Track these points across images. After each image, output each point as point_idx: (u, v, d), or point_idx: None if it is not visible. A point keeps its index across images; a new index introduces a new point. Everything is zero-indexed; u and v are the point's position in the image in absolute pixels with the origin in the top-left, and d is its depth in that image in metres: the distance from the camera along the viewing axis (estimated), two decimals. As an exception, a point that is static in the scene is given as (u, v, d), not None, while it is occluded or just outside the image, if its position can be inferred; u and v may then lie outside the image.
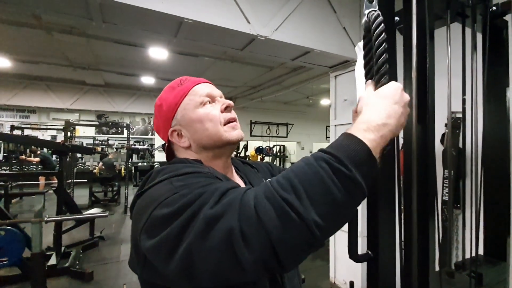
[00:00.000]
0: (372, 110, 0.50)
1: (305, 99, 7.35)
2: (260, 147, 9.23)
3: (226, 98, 0.74)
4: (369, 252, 0.77)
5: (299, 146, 10.00)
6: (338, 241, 3.00)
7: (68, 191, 5.16)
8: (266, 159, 9.26)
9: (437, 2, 0.89)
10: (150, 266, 0.53)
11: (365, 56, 0.60)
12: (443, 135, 1.98)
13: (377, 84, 0.54)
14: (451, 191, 1.80)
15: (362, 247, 0.63)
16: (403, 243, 0.82)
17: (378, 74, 0.53)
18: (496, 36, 1.02)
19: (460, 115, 1.20)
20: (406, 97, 0.53)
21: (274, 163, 8.71)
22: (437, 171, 1.21)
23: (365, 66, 0.61)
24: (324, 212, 0.41)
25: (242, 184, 0.73)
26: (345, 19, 2.43)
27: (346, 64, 2.77)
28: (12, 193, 5.10)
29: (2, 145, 9.08)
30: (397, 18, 0.92)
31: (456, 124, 1.86)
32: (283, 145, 10.54)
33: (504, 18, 1.08)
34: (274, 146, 9.63)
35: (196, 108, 0.67)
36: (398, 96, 0.51)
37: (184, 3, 1.78)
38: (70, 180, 5.70)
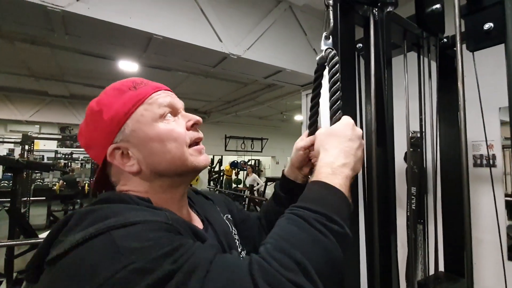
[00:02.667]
0: (331, 152, 0.51)
1: (279, 115, 7.49)
2: (235, 161, 9.17)
3: (200, 112, 0.67)
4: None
5: (274, 160, 10.08)
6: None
7: (24, 210, 4.72)
8: (241, 173, 9.20)
9: (394, 33, 0.95)
10: None
11: (314, 89, 0.64)
12: (406, 153, 2.10)
13: (331, 119, 0.56)
14: (415, 207, 1.88)
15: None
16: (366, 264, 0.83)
17: (332, 110, 0.56)
18: (447, 65, 1.11)
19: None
20: (358, 131, 0.55)
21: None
22: (403, 188, 1.27)
23: (312, 100, 0.66)
24: (329, 279, 0.39)
25: (199, 223, 0.60)
26: (314, 41, 2.54)
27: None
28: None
29: None
30: (360, 45, 0.97)
31: (417, 142, 1.98)
32: (258, 160, 10.56)
33: (454, 48, 1.19)
34: (249, 160, 9.61)
35: (154, 122, 0.51)
36: (350, 132, 0.53)
37: (154, 18, 1.75)
38: (26, 198, 5.23)
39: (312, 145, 0.65)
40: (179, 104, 0.58)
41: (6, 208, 3.20)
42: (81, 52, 3.48)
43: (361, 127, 0.88)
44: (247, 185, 7.83)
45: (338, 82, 0.57)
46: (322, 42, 0.62)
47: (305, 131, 0.71)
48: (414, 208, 1.98)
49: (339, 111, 0.56)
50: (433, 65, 1.15)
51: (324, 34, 0.64)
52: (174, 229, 0.42)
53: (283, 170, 0.76)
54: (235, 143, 8.42)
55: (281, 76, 2.67)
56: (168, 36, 1.79)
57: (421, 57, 1.13)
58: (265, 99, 5.32)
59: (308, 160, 0.69)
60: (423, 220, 1.99)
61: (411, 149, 1.34)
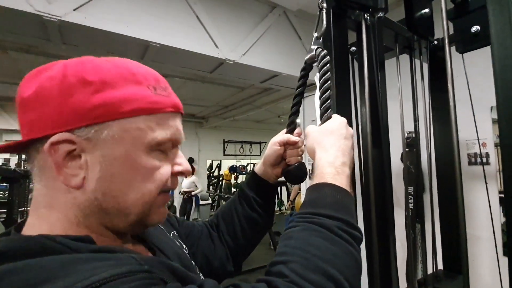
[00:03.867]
0: (330, 151, 0.49)
1: (276, 118, 7.51)
2: (234, 165, 9.16)
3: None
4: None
5: (272, 164, 10.07)
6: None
7: (20, 220, 4.66)
8: (240, 177, 9.19)
9: (386, 36, 0.98)
10: None
11: (297, 88, 0.65)
12: (402, 153, 2.13)
13: (322, 117, 0.56)
14: (413, 206, 1.90)
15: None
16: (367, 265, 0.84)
17: (322, 108, 0.56)
18: (439, 66, 1.14)
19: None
20: (351, 130, 0.55)
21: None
22: (401, 188, 1.28)
23: (294, 98, 0.68)
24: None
25: (144, 251, 0.47)
26: (309, 45, 2.57)
27: (312, 87, 2.89)
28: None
29: None
30: (354, 48, 1.00)
31: (413, 142, 2.01)
32: (257, 163, 10.56)
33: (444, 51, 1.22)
34: (248, 164, 9.61)
35: (147, 147, 0.38)
36: (345, 130, 0.52)
37: (151, 27, 1.77)
38: (23, 209, 5.18)
39: (288, 143, 0.64)
40: (181, 139, 0.44)
41: (2, 220, 3.17)
42: (77, 60, 3.49)
43: (357, 129, 0.89)
44: (181, 191, 5.80)
45: (329, 81, 0.57)
46: (313, 42, 0.63)
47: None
48: (412, 207, 2.00)
49: (330, 110, 0.56)
50: (425, 66, 1.18)
51: (316, 34, 0.65)
52: (157, 278, 0.30)
53: (253, 168, 0.71)
54: (234, 148, 8.43)
55: (277, 80, 2.69)
56: (165, 43, 1.82)
57: (413, 59, 1.16)
58: (262, 103, 5.35)
59: (281, 159, 0.66)
60: (421, 219, 2.01)
61: (407, 149, 1.37)
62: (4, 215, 3.16)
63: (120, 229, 0.40)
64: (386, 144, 0.88)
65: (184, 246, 0.59)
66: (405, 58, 1.14)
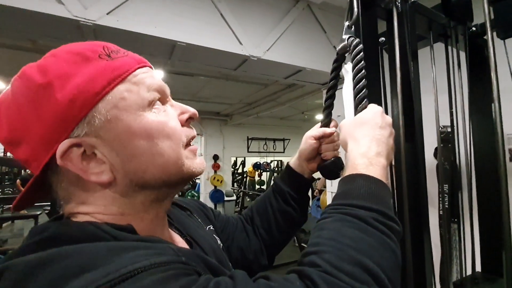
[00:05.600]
0: (362, 142, 0.47)
1: (300, 114, 7.42)
2: (258, 162, 9.20)
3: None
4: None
5: (296, 161, 9.98)
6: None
7: (62, 212, 5.05)
8: (264, 174, 9.21)
9: (419, 24, 0.92)
10: None
11: (330, 80, 0.63)
12: (436, 149, 2.01)
13: (357, 108, 0.55)
14: (448, 205, 1.79)
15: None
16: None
17: (357, 99, 0.54)
18: (478, 54, 1.06)
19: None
20: (388, 118, 0.51)
21: (272, 178, 8.66)
22: (433, 186, 1.21)
23: (327, 91, 0.65)
24: (397, 284, 0.33)
25: (181, 243, 0.48)
26: (334, 38, 2.50)
27: (341, 81, 2.82)
28: (3, 216, 4.98)
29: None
30: (382, 39, 0.96)
31: (448, 137, 1.89)
32: (281, 160, 10.52)
33: (484, 37, 1.13)
34: (271, 161, 9.61)
35: (141, 110, 0.37)
36: (380, 119, 0.49)
37: (177, 26, 1.83)
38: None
39: (324, 137, 0.63)
40: (167, 89, 0.43)
41: (47, 211, 3.44)
42: (109, 62, 3.67)
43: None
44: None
45: (363, 70, 0.54)
46: (344, 31, 0.61)
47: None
48: (447, 206, 1.89)
49: (365, 100, 0.53)
50: (462, 55, 1.10)
51: (347, 23, 0.63)
52: (192, 270, 0.30)
53: (287, 162, 0.71)
54: (258, 145, 8.45)
55: (302, 75, 2.65)
56: (190, 42, 1.86)
57: (449, 47, 1.09)
58: (286, 99, 5.31)
59: (316, 154, 0.65)
60: (458, 219, 1.89)
61: (441, 145, 1.29)
62: (49, 208, 3.42)
63: (165, 195, 0.41)
64: (419, 139, 0.84)
65: (219, 241, 0.59)
66: (439, 47, 1.07)
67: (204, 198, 6.28)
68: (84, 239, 0.30)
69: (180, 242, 0.48)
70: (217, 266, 0.37)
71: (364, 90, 0.54)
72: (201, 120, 6.32)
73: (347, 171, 0.45)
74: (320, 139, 0.63)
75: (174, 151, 0.39)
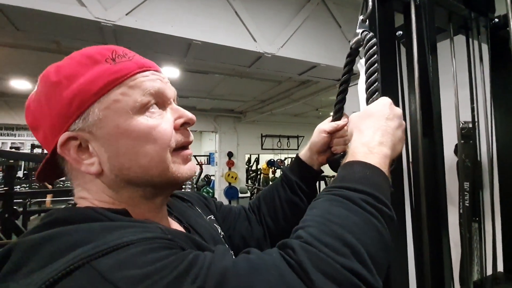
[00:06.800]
0: (366, 132, 0.47)
1: (314, 111, 7.35)
2: (272, 160, 9.20)
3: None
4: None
5: (311, 158, 9.89)
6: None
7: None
8: (278, 172, 9.20)
9: (438, 16, 0.90)
10: None
11: (343, 74, 0.63)
12: (457, 145, 1.94)
13: (368, 101, 0.54)
14: (469, 203, 1.73)
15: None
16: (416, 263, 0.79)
17: (369, 92, 0.54)
18: (501, 47, 1.02)
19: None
20: (398, 110, 0.51)
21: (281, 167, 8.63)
22: (453, 184, 1.18)
23: (340, 85, 0.65)
24: (380, 264, 0.34)
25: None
26: (349, 33, 2.46)
27: (354, 76, 2.78)
28: (31, 210, 5.25)
29: (23, 163, 9.44)
30: (400, 32, 0.94)
31: (469, 134, 1.82)
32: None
33: (507, 28, 1.08)
34: (285, 158, 9.59)
35: (133, 113, 0.40)
36: (388, 110, 0.49)
37: (193, 25, 1.86)
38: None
39: (336, 131, 0.63)
40: (171, 93, 0.45)
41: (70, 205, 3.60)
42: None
43: (404, 118, 0.84)
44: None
45: (376, 64, 0.54)
46: (358, 25, 0.61)
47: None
48: (467, 205, 1.83)
49: (377, 93, 0.53)
50: (484, 48, 1.06)
51: (361, 17, 0.63)
52: (176, 245, 0.33)
53: (297, 154, 0.71)
54: (271, 142, 8.45)
55: (316, 71, 2.63)
56: (206, 40, 1.89)
57: (470, 40, 1.05)
58: (300, 96, 5.27)
59: (327, 147, 0.65)
60: (479, 218, 1.83)
61: (462, 141, 1.25)
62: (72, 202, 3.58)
63: (152, 194, 0.44)
64: (438, 135, 0.82)
65: (220, 230, 0.61)
66: (460, 39, 1.03)
67: (219, 194, 6.36)
68: (82, 220, 0.35)
69: (177, 227, 0.50)
70: (206, 246, 0.39)
71: (376, 83, 0.54)
72: (216, 118, 6.39)
73: (347, 159, 0.46)
74: (331, 133, 0.65)
75: (158, 154, 0.41)
